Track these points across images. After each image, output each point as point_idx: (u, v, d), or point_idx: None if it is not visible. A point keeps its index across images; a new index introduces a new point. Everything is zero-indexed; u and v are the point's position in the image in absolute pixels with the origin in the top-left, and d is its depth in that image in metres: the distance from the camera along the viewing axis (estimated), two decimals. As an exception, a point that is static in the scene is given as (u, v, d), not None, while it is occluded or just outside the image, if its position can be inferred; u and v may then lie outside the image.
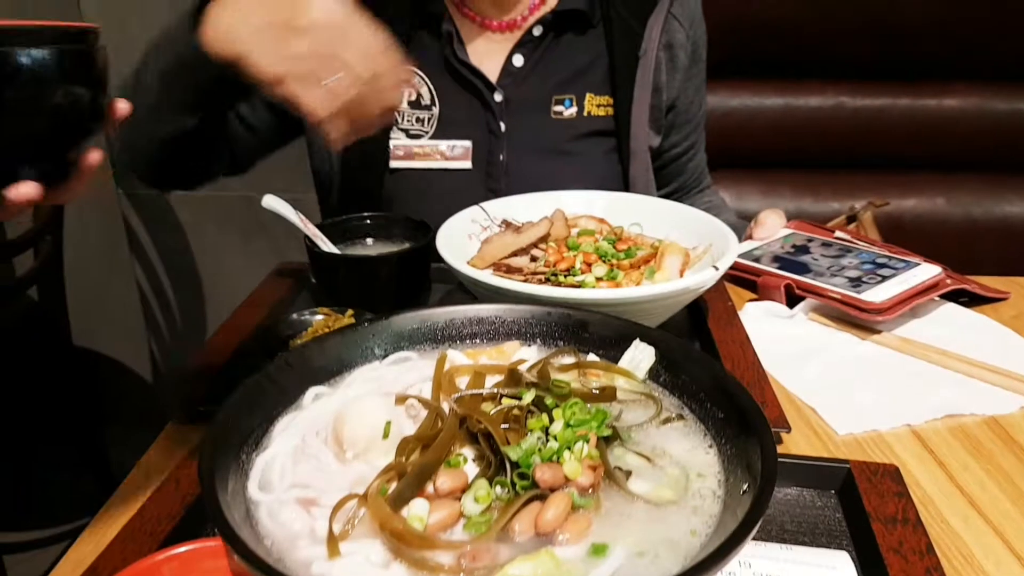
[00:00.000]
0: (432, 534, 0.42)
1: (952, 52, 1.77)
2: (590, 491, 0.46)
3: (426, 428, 0.50)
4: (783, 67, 1.82)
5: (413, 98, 1.08)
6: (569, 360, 0.60)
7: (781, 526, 0.61)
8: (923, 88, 1.81)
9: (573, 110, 1.10)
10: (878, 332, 0.89)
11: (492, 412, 0.50)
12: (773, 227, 1.06)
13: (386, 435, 0.49)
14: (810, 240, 1.03)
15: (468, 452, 0.48)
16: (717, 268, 0.74)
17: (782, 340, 0.88)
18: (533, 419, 0.49)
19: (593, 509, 0.45)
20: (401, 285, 0.88)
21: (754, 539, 0.56)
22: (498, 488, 0.45)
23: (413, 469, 0.45)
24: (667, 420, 0.54)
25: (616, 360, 0.60)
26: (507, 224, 0.89)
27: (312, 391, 0.55)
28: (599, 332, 0.61)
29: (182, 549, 0.47)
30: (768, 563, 0.54)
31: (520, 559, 0.41)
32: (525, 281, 0.78)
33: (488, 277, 0.72)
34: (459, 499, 0.44)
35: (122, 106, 0.58)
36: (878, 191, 1.83)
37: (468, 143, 1.09)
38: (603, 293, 0.70)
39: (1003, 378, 0.80)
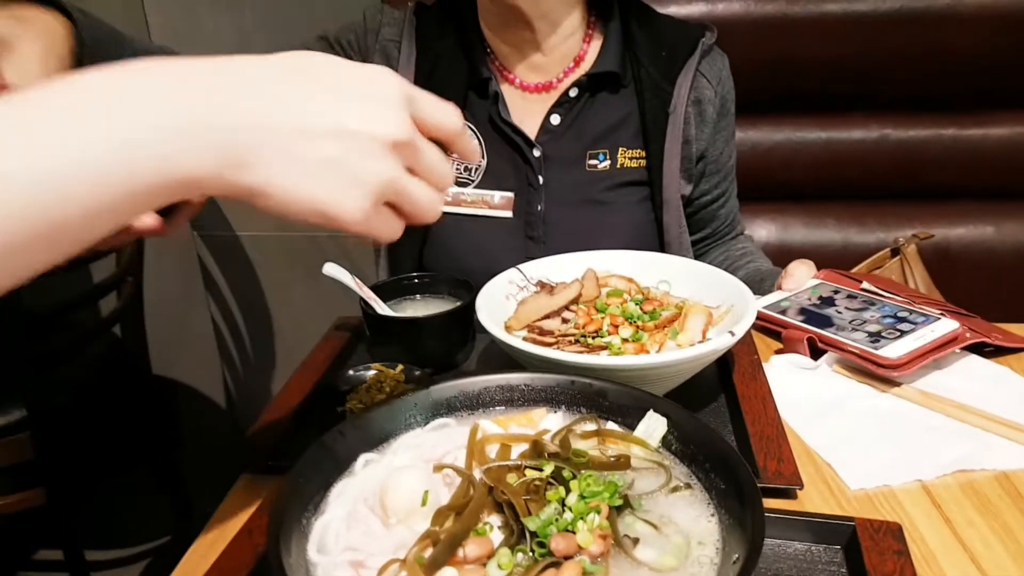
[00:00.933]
0: (461, 597, 0.49)
1: (997, 81, 1.77)
2: (600, 559, 0.52)
3: (458, 497, 0.57)
4: (825, 101, 1.84)
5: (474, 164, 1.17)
6: (590, 427, 0.66)
7: (787, 581, 0.66)
8: (968, 118, 1.81)
9: (607, 163, 1.18)
10: (898, 385, 0.92)
11: (516, 483, 0.57)
12: (802, 278, 1.10)
13: (424, 503, 0.57)
14: (836, 292, 1.07)
15: (495, 519, 0.55)
16: (733, 334, 0.80)
17: (805, 393, 0.93)
18: (551, 491, 0.56)
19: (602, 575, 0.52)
20: (445, 342, 0.97)
21: (759, 595, 0.62)
22: (519, 555, 0.52)
23: (445, 538, 0.52)
24: (675, 489, 0.60)
25: (633, 427, 0.66)
26: (542, 285, 0.96)
27: (363, 458, 0.63)
28: (617, 400, 0.68)
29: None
30: (768, 619, 0.59)
31: (536, 622, 0.48)
32: (556, 343, 0.85)
33: (519, 343, 0.79)
34: (485, 565, 0.51)
35: None
36: (924, 221, 1.84)
37: (510, 194, 1.17)
38: (625, 360, 0.77)
39: (1017, 432, 0.83)
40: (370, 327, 0.98)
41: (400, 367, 0.94)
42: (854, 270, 1.62)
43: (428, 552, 0.52)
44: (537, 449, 0.61)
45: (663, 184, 1.17)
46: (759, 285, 1.19)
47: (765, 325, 1.05)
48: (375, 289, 1.02)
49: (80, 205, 0.40)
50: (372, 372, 0.93)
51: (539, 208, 1.16)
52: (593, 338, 0.85)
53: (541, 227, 1.16)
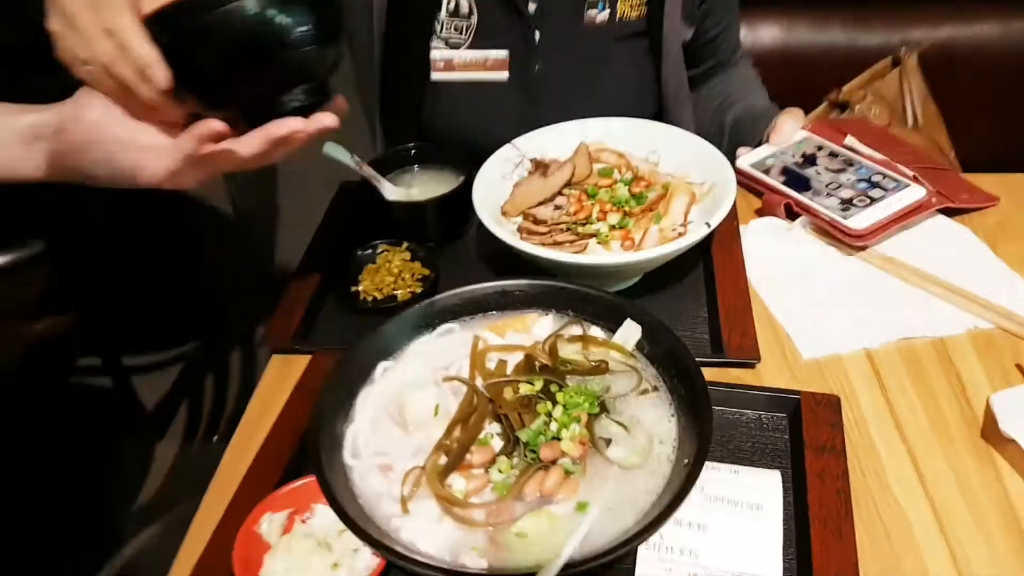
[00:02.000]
0: (469, 496, 0.62)
1: None
2: (579, 460, 0.65)
3: (464, 407, 0.68)
4: None
5: (452, 7, 1.14)
6: (576, 331, 0.76)
7: (738, 447, 0.79)
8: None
9: (606, 13, 1.15)
10: (864, 248, 1.01)
11: (511, 398, 0.68)
12: (789, 133, 1.14)
13: (436, 414, 0.68)
14: (819, 148, 1.11)
15: (495, 427, 0.67)
16: (709, 225, 0.87)
17: (777, 258, 1.01)
18: (540, 404, 0.67)
19: (581, 474, 0.64)
20: (447, 220, 1.04)
21: (712, 460, 0.76)
22: (515, 459, 0.65)
23: (455, 448, 0.65)
24: (644, 391, 0.71)
25: (614, 329, 0.76)
26: (536, 164, 1.01)
27: (381, 366, 0.74)
28: (599, 306, 0.77)
29: (303, 481, 0.70)
30: (717, 486, 0.73)
31: (528, 515, 0.61)
32: (549, 231, 0.93)
33: (515, 242, 0.87)
34: (487, 470, 0.64)
35: None
36: (930, 22, 1.80)
37: (504, 53, 1.15)
38: (609, 258, 0.86)
39: (958, 298, 0.93)
40: (374, 208, 1.05)
41: (405, 244, 1.02)
42: (854, 80, 1.62)
43: (443, 459, 0.64)
44: (529, 362, 0.71)
45: (663, 34, 1.15)
46: (752, 127, 1.21)
47: (749, 184, 1.11)
48: (373, 164, 1.07)
49: None
50: (379, 251, 1.02)
51: (536, 68, 1.15)
52: (583, 225, 0.92)
53: (538, 89, 1.16)
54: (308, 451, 0.64)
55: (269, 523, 0.69)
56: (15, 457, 1.83)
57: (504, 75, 1.16)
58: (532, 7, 1.12)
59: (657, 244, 0.91)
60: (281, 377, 0.89)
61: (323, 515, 0.69)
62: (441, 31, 1.14)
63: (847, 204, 1.01)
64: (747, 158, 1.13)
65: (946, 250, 1.00)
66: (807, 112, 1.59)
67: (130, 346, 2.16)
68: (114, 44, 0.65)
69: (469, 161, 1.05)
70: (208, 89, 0.70)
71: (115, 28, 0.64)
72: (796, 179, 1.07)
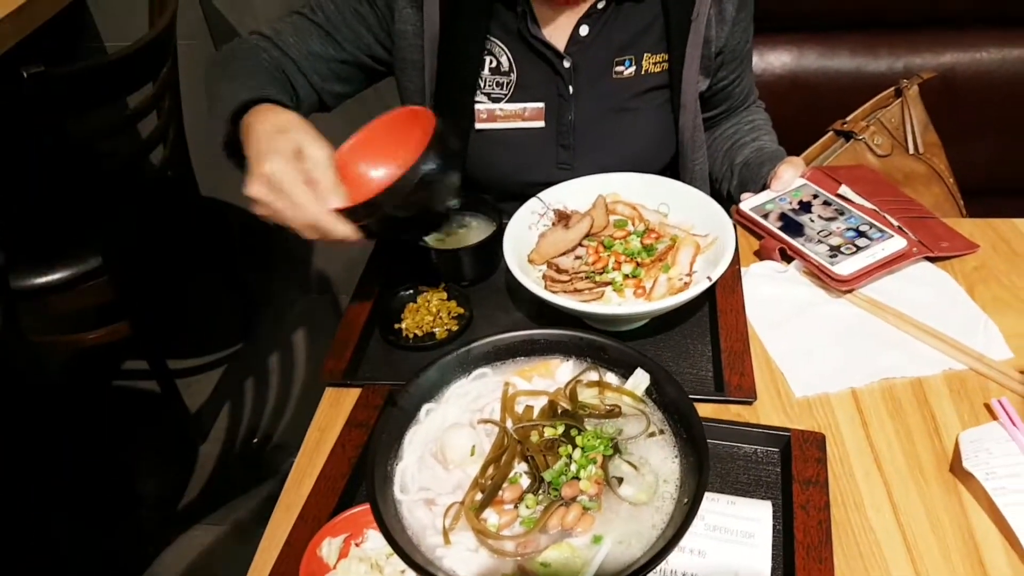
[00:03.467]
0: (501, 529, 0.73)
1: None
2: (595, 497, 0.75)
3: (496, 447, 0.79)
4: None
5: (494, 65, 1.24)
6: (593, 376, 0.86)
7: (736, 479, 0.89)
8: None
9: (632, 69, 1.24)
10: (852, 291, 1.10)
11: (536, 440, 0.78)
12: (788, 181, 1.23)
13: (472, 453, 0.79)
14: (815, 196, 1.20)
15: (523, 467, 0.78)
16: (711, 279, 0.96)
17: (774, 300, 1.10)
18: (562, 447, 0.77)
19: (597, 510, 0.74)
20: (479, 265, 1.14)
21: (712, 492, 0.86)
22: (540, 496, 0.75)
23: (489, 487, 0.75)
24: (652, 434, 0.81)
25: (626, 376, 0.86)
26: (559, 215, 1.11)
27: (424, 408, 0.84)
28: (613, 355, 0.87)
29: (357, 508, 0.80)
30: (715, 516, 0.83)
31: (551, 547, 0.71)
32: (571, 279, 1.03)
33: (541, 292, 0.97)
34: (516, 506, 0.75)
35: None
36: (933, 49, 1.88)
37: (541, 104, 1.24)
38: (623, 309, 0.96)
39: (936, 340, 1.02)
40: (415, 253, 1.15)
41: (442, 285, 1.13)
42: (859, 110, 1.70)
43: (478, 497, 0.75)
44: (552, 407, 0.82)
45: (682, 88, 1.24)
46: (758, 169, 1.31)
47: (750, 226, 1.20)
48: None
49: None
50: (419, 292, 1.12)
51: (569, 118, 1.24)
52: (600, 274, 1.02)
53: (571, 135, 1.25)
54: (366, 487, 0.74)
55: (329, 546, 0.80)
56: (63, 458, 1.96)
57: (541, 124, 1.25)
58: (567, 64, 1.21)
59: (665, 291, 1.01)
60: (335, 408, 1.00)
61: (374, 540, 0.80)
62: (484, 86, 1.24)
63: (835, 251, 1.10)
64: (749, 202, 1.22)
65: (927, 293, 1.09)
66: (815, 139, 1.68)
67: (176, 350, 2.29)
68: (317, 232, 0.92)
69: (498, 210, 1.16)
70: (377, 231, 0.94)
71: (319, 223, 0.91)
72: (792, 224, 1.16)
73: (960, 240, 1.15)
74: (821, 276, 1.09)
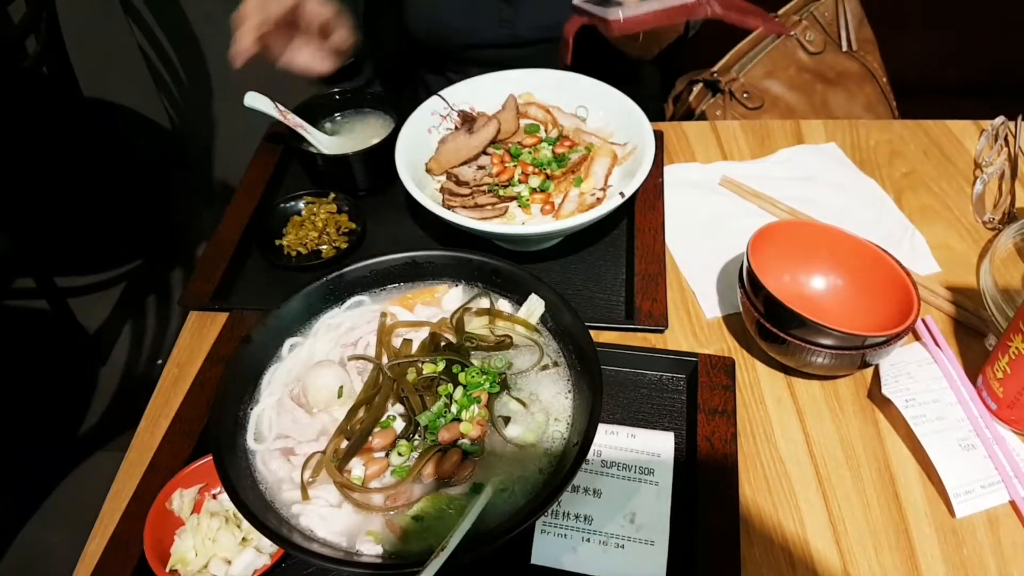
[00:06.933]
0: (368, 480, 0.63)
1: None
2: (477, 440, 0.65)
3: (368, 387, 0.68)
4: None
5: None
6: (484, 304, 0.75)
7: (639, 408, 0.81)
8: None
9: None
10: (772, 203, 1.00)
11: (414, 379, 0.68)
12: None
13: (340, 395, 0.68)
14: None
15: (398, 408, 0.67)
16: (623, 195, 0.85)
17: (691, 211, 1.00)
18: (441, 386, 0.67)
19: (478, 455, 0.65)
20: (374, 172, 1.00)
21: (613, 424, 0.78)
22: (416, 442, 0.65)
23: (356, 433, 0.64)
24: (544, 367, 0.71)
25: (520, 302, 0.75)
26: (463, 116, 0.97)
27: (288, 343, 0.72)
28: (507, 279, 0.75)
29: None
30: (613, 452, 0.75)
31: (425, 498, 0.62)
32: (471, 193, 0.90)
33: (435, 208, 0.84)
34: (388, 453, 0.64)
35: None
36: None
37: None
38: (524, 228, 0.84)
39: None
40: (299, 159, 1.00)
41: (332, 196, 0.99)
42: (791, 3, 1.56)
43: (343, 445, 0.65)
44: (434, 341, 0.71)
45: None
46: None
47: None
48: (299, 111, 1.02)
49: None
50: (303, 204, 0.98)
51: None
52: (505, 187, 0.90)
53: None
54: (209, 436, 0.63)
55: (180, 499, 0.69)
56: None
57: None
58: None
59: (576, 208, 0.89)
60: (198, 339, 0.88)
61: (233, 490, 0.70)
62: None
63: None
64: None
65: (852, 202, 1.00)
66: (742, 37, 1.55)
67: (66, 266, 2.08)
68: None
69: (398, 108, 1.01)
70: None
71: None
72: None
73: (762, 17, 0.89)
74: (599, 25, 0.89)
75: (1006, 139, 1.07)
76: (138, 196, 2.27)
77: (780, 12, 1.53)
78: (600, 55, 1.14)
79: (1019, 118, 1.08)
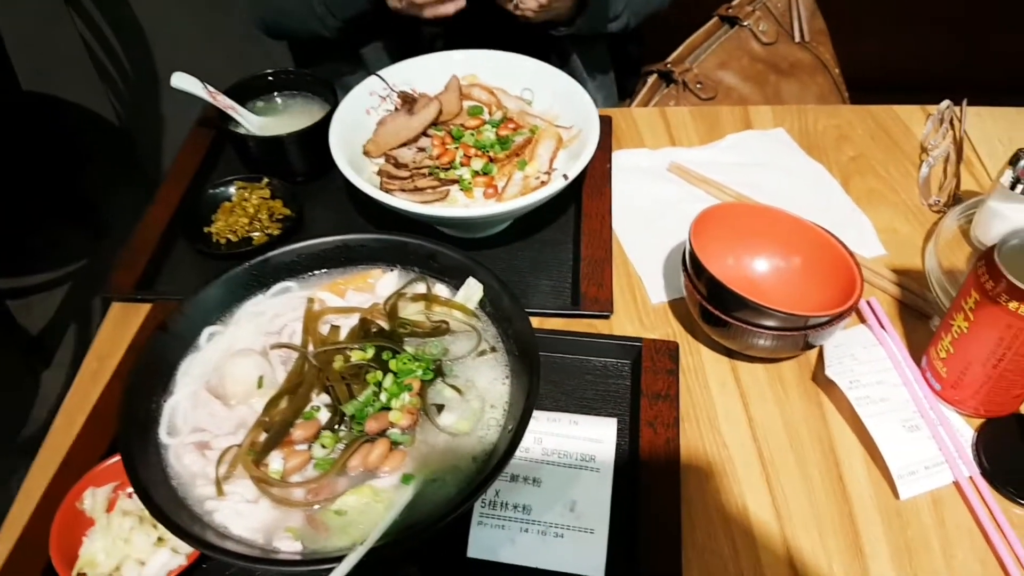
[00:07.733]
0: (288, 474, 0.59)
1: None
2: (408, 429, 0.62)
3: (292, 377, 0.64)
4: None
5: None
6: (420, 289, 0.72)
7: (582, 395, 0.78)
8: None
9: None
10: (719, 188, 0.99)
11: (341, 366, 0.64)
12: None
13: (260, 385, 0.64)
14: None
15: (324, 398, 0.64)
16: (567, 177, 0.82)
17: (638, 196, 0.98)
18: (370, 375, 0.63)
19: (409, 444, 0.61)
20: (310, 156, 0.96)
21: (554, 411, 0.75)
22: (342, 433, 0.62)
23: (276, 425, 0.61)
24: (482, 352, 0.68)
25: (459, 287, 0.72)
26: (403, 98, 0.93)
27: (207, 331, 0.68)
28: (445, 263, 0.72)
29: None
30: (554, 439, 0.72)
31: (350, 491, 0.58)
32: (411, 176, 0.86)
33: (369, 189, 0.80)
34: (311, 445, 0.61)
35: None
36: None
37: None
38: (465, 211, 0.80)
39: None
40: (230, 141, 0.96)
41: (266, 181, 0.95)
42: None
43: (262, 437, 0.61)
44: (364, 327, 0.67)
45: None
46: None
47: None
48: (230, 92, 0.97)
49: None
50: (233, 190, 0.94)
51: None
52: (446, 170, 0.86)
53: None
54: (118, 431, 0.59)
55: (92, 498, 0.65)
56: None
57: None
58: None
59: (520, 191, 0.86)
60: (120, 330, 0.83)
61: (149, 488, 0.65)
62: None
63: None
64: None
65: (801, 186, 0.99)
66: (697, 27, 1.54)
67: (6, 267, 2.00)
68: None
69: (333, 90, 0.97)
70: None
71: None
72: None
73: None
74: None
75: (951, 123, 1.06)
76: (82, 193, 2.18)
77: (734, 2, 1.52)
78: (548, 39, 1.11)
79: (964, 102, 1.08)
